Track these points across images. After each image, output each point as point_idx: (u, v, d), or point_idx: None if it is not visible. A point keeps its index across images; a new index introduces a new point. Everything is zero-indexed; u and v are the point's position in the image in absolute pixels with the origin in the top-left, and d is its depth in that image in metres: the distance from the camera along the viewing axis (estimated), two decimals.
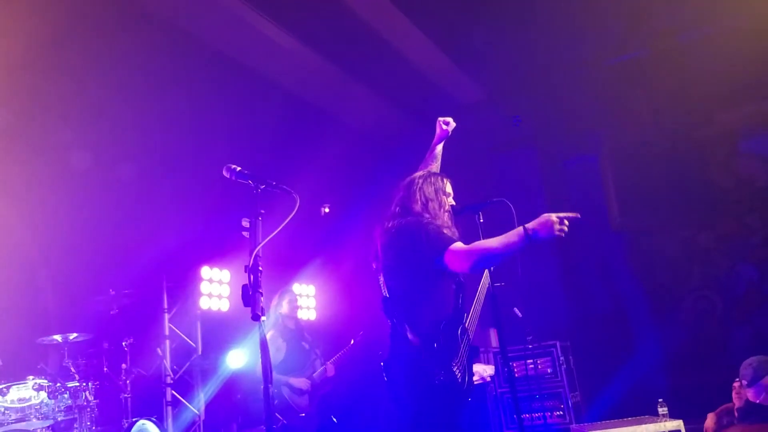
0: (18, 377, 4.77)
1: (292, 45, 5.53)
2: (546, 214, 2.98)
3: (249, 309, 2.33)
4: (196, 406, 6.36)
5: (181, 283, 6.56)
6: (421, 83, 6.36)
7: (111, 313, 5.31)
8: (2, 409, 4.65)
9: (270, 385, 2.30)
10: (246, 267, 2.38)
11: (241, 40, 5.36)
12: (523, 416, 6.07)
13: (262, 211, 2.62)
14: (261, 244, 2.48)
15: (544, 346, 6.28)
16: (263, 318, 2.32)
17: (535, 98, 7.03)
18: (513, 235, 2.99)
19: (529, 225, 2.98)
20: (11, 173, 5.09)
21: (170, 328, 6.46)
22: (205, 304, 6.53)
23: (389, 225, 3.38)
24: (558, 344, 6.31)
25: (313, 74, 5.95)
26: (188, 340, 6.56)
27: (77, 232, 5.44)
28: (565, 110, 7.02)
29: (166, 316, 6.44)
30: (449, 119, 4.14)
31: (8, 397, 4.68)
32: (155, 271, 6.29)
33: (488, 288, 3.94)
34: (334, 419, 6.55)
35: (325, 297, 8.06)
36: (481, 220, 3.87)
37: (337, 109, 6.60)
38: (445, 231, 3.21)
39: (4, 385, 4.68)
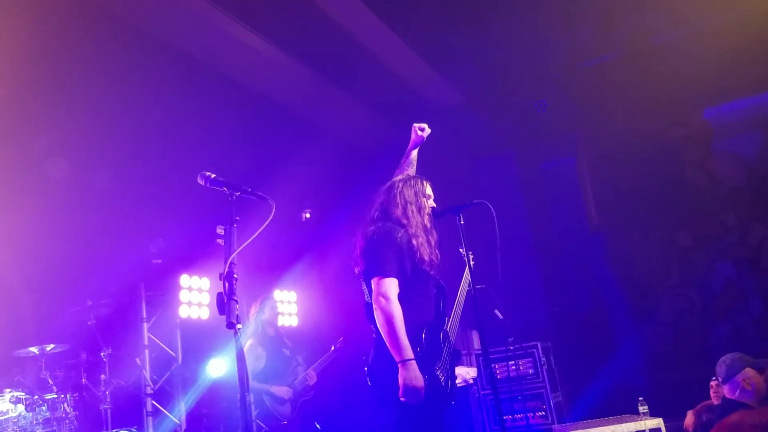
0: None
1: (271, 52, 5.51)
2: (420, 383, 2.95)
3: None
4: (177, 415, 6.29)
5: (159, 291, 6.49)
6: (400, 89, 6.37)
7: (88, 323, 5.23)
8: None
9: (247, 394, 2.28)
10: (221, 275, 2.36)
11: (219, 48, 5.33)
12: (505, 417, 6.09)
13: (237, 218, 2.60)
14: (236, 252, 2.46)
15: (526, 347, 6.31)
16: (239, 326, 2.30)
17: (513, 102, 7.07)
18: (400, 347, 3.01)
19: (407, 372, 2.96)
20: None
21: (149, 337, 6.38)
22: (184, 312, 6.46)
23: (368, 230, 3.39)
24: (539, 345, 6.34)
25: (293, 81, 5.93)
26: (168, 349, 6.49)
27: (53, 241, 5.36)
28: (542, 113, 7.08)
29: (145, 326, 6.37)
30: (424, 125, 4.16)
31: None
32: (133, 280, 6.22)
33: (469, 291, 3.96)
34: (318, 426, 6.52)
35: (306, 303, 8.03)
36: (462, 222, 3.90)
37: (316, 116, 6.59)
38: (414, 243, 3.22)
39: None
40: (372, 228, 3.37)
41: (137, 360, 6.14)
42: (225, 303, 2.29)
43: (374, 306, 3.15)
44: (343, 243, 7.05)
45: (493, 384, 4.01)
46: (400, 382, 2.97)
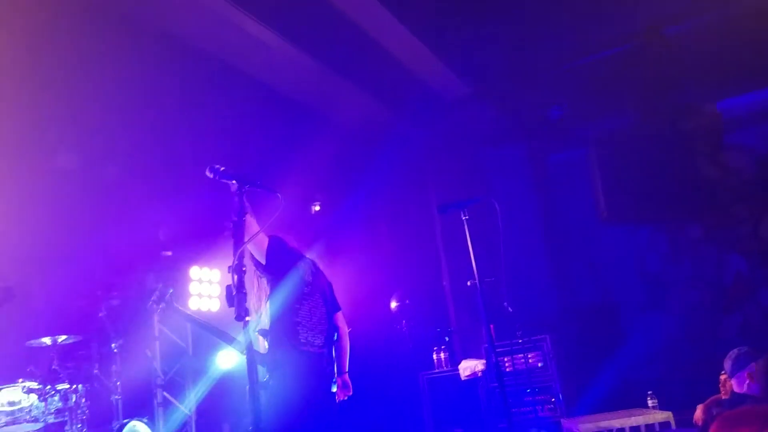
0: (7, 380, 4.74)
1: (277, 42, 5.50)
2: None
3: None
4: (187, 406, 6.34)
5: (169, 283, 6.52)
6: (408, 80, 6.34)
7: (99, 315, 5.28)
8: None
9: (256, 386, 2.30)
10: (230, 267, 2.38)
11: (225, 38, 5.33)
12: (513, 410, 6.09)
13: (247, 211, 2.62)
14: (245, 244, 2.48)
15: (534, 340, 6.30)
16: (248, 318, 2.31)
17: (522, 93, 7.03)
18: None
19: None
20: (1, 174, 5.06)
21: (160, 329, 6.43)
22: (194, 304, 6.50)
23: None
24: (548, 338, 6.33)
25: (299, 72, 5.93)
26: (178, 340, 6.54)
27: (65, 233, 5.41)
28: (551, 105, 7.04)
29: (156, 317, 6.41)
30: None
31: None
32: (143, 271, 6.27)
33: (479, 284, 3.98)
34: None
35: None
36: (466, 217, 3.90)
37: (324, 107, 6.58)
38: None
39: None
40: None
41: (147, 351, 6.19)
42: (234, 295, 2.30)
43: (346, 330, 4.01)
44: (352, 234, 7.08)
45: (499, 377, 4.02)
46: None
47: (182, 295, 6.48)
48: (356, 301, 7.12)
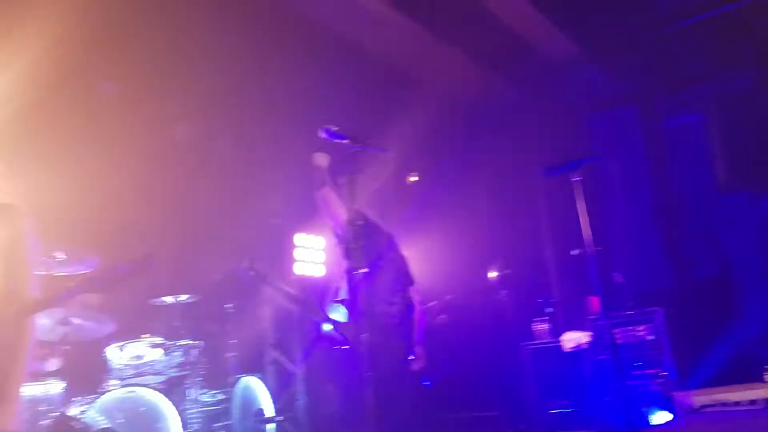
0: (133, 336, 5.12)
1: (379, 6, 5.50)
2: None
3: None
4: (296, 365, 6.61)
5: (276, 249, 6.78)
6: (514, 42, 6.16)
7: (216, 276, 5.57)
8: (121, 366, 5.01)
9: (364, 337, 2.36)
10: (345, 222, 2.45)
11: (328, 4, 5.39)
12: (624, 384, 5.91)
13: (357, 170, 2.68)
14: (357, 202, 2.54)
15: (646, 313, 6.05)
16: (361, 271, 2.37)
17: (636, 54, 6.69)
18: None
19: None
20: (119, 144, 5.41)
21: (270, 291, 6.70)
22: (299, 269, 6.73)
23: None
24: (660, 310, 6.08)
25: (401, 37, 5.90)
26: (287, 303, 6.79)
27: (183, 199, 5.73)
28: (666, 66, 6.65)
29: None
30: None
31: (125, 354, 5.04)
32: (251, 237, 6.54)
33: (589, 252, 3.91)
34: (426, 383, 6.63)
35: (412, 265, 8.10)
36: (578, 178, 3.79)
37: (425, 73, 6.52)
38: None
39: (121, 344, 5.04)
40: None
41: (259, 312, 6.48)
42: (349, 249, 2.37)
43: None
44: (451, 203, 7.04)
45: (614, 349, 3.92)
46: None
47: (288, 260, 6.72)
48: (455, 271, 7.12)
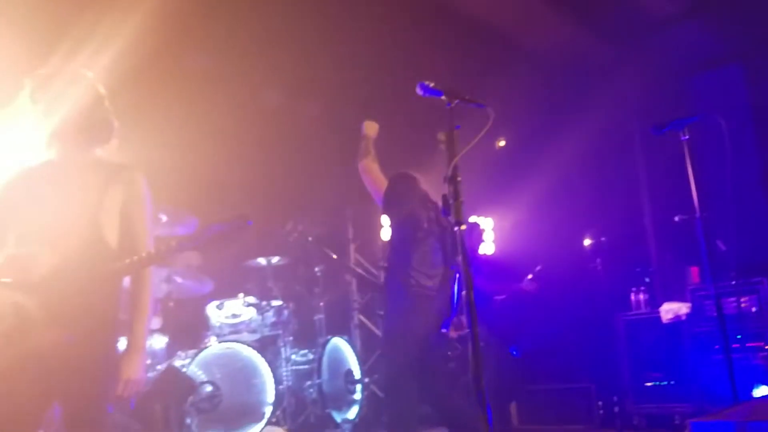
0: (230, 296, 5.34)
1: None
2: None
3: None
4: (380, 329, 6.70)
5: (365, 215, 6.85)
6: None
7: (307, 240, 5.69)
8: (219, 324, 5.25)
9: (467, 292, 2.32)
10: (445, 177, 2.42)
11: None
12: (721, 357, 5.63)
13: (457, 125, 2.63)
14: (458, 156, 2.49)
15: (750, 283, 5.71)
16: (463, 226, 2.34)
17: (741, 11, 6.20)
18: None
19: None
20: (217, 112, 5.57)
21: (356, 257, 6.81)
22: (385, 235, 6.77)
23: None
24: (765, 281, 5.72)
25: None
26: (371, 268, 6.88)
27: (276, 165, 5.87)
28: None
29: (352, 246, 6.79)
30: None
31: (223, 312, 5.27)
32: (341, 203, 6.63)
33: (694, 218, 3.73)
34: (513, 353, 6.57)
35: (502, 231, 7.99)
36: (686, 137, 3.60)
37: (517, 32, 6.29)
38: None
39: (220, 301, 5.27)
40: None
41: (347, 276, 6.60)
42: (450, 204, 2.34)
43: None
44: (543, 168, 6.84)
45: (722, 322, 3.72)
46: None
47: (375, 225, 6.77)
48: (546, 239, 6.95)
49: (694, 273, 6.15)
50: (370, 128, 3.97)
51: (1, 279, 2.23)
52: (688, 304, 5.89)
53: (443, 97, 2.72)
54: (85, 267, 2.26)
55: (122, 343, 2.41)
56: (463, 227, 2.35)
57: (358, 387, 5.54)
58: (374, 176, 3.82)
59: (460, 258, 2.36)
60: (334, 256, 5.45)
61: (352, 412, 5.43)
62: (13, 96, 2.54)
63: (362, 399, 5.52)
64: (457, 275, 3.95)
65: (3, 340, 2.15)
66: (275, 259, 5.53)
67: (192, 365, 4.58)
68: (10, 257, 2.28)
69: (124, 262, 2.32)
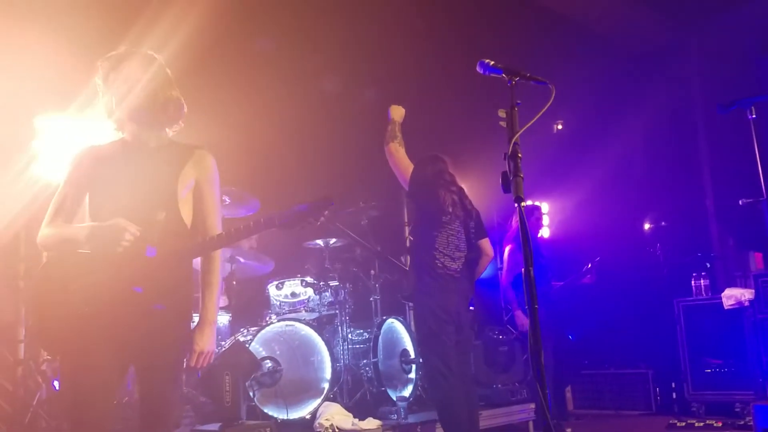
0: (289, 276, 5.48)
1: None
2: None
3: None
4: None
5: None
6: None
7: (362, 223, 5.77)
8: (278, 302, 5.40)
9: (530, 269, 2.35)
10: (505, 154, 2.44)
11: None
12: None
13: (518, 102, 2.64)
14: (519, 132, 2.51)
15: None
16: (523, 203, 2.35)
17: None
18: None
19: None
20: (277, 96, 5.70)
21: (409, 239, 6.84)
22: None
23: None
24: None
25: None
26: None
27: (334, 150, 5.97)
28: None
29: (407, 229, 6.84)
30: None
31: (283, 292, 5.41)
32: (397, 186, 6.66)
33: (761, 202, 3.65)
34: (570, 337, 6.53)
35: (558, 215, 7.92)
36: (753, 116, 3.52)
37: (580, 16, 6.19)
38: None
39: (280, 281, 5.42)
40: None
41: (401, 259, 6.64)
42: (510, 180, 2.36)
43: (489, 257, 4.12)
44: (603, 151, 6.73)
45: None
46: None
47: None
48: (605, 224, 6.86)
49: (758, 258, 5.99)
50: (396, 112, 4.04)
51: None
52: (751, 291, 5.75)
53: (503, 75, 2.73)
54: (168, 244, 2.34)
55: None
56: (524, 204, 2.37)
57: (413, 366, 5.60)
58: (399, 160, 3.90)
59: (521, 236, 2.38)
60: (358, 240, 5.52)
61: (408, 391, 5.51)
62: (89, 81, 2.63)
63: (417, 378, 5.59)
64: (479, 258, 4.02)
65: (90, 309, 2.26)
66: (333, 241, 5.64)
67: (254, 342, 4.73)
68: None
69: (211, 237, 2.39)
